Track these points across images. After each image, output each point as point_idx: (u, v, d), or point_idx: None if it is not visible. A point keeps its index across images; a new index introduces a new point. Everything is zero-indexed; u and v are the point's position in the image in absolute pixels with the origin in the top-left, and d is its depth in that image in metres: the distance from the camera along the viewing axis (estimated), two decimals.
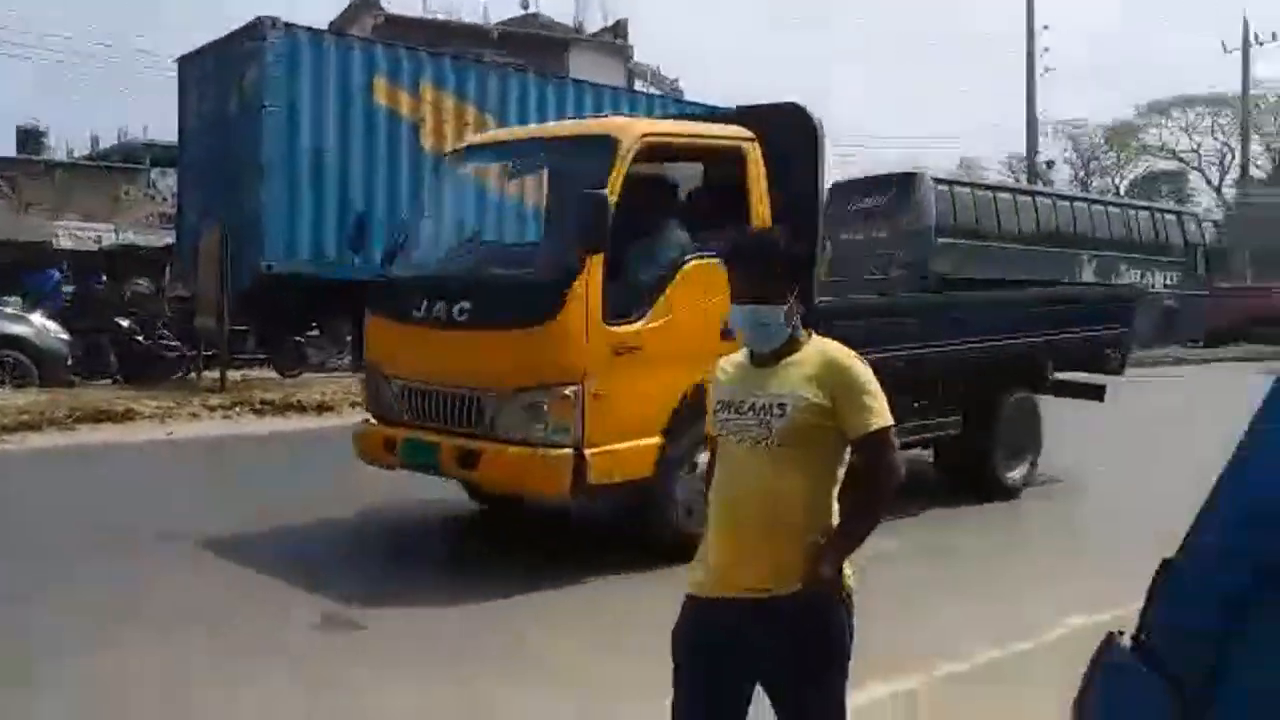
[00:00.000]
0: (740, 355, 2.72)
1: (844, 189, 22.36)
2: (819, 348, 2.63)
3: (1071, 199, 25.69)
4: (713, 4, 78.60)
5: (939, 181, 20.94)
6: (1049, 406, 8.42)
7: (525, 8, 34.22)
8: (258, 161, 12.30)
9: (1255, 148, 45.96)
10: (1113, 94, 71.95)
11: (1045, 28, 33.10)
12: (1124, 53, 63.69)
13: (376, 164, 13.02)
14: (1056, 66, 33.37)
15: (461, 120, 13.64)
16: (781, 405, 2.53)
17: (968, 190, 21.63)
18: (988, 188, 24.06)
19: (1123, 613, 1.57)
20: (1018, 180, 37.79)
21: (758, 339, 2.63)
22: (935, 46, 71.77)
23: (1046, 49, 33.14)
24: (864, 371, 2.58)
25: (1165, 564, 1.34)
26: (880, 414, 2.54)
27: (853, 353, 2.63)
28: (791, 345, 2.62)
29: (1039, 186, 31.48)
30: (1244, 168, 44.77)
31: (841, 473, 2.60)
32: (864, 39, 76.36)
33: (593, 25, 34.41)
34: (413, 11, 30.56)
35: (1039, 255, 21.04)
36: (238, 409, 10.37)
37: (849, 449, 2.58)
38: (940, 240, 19.51)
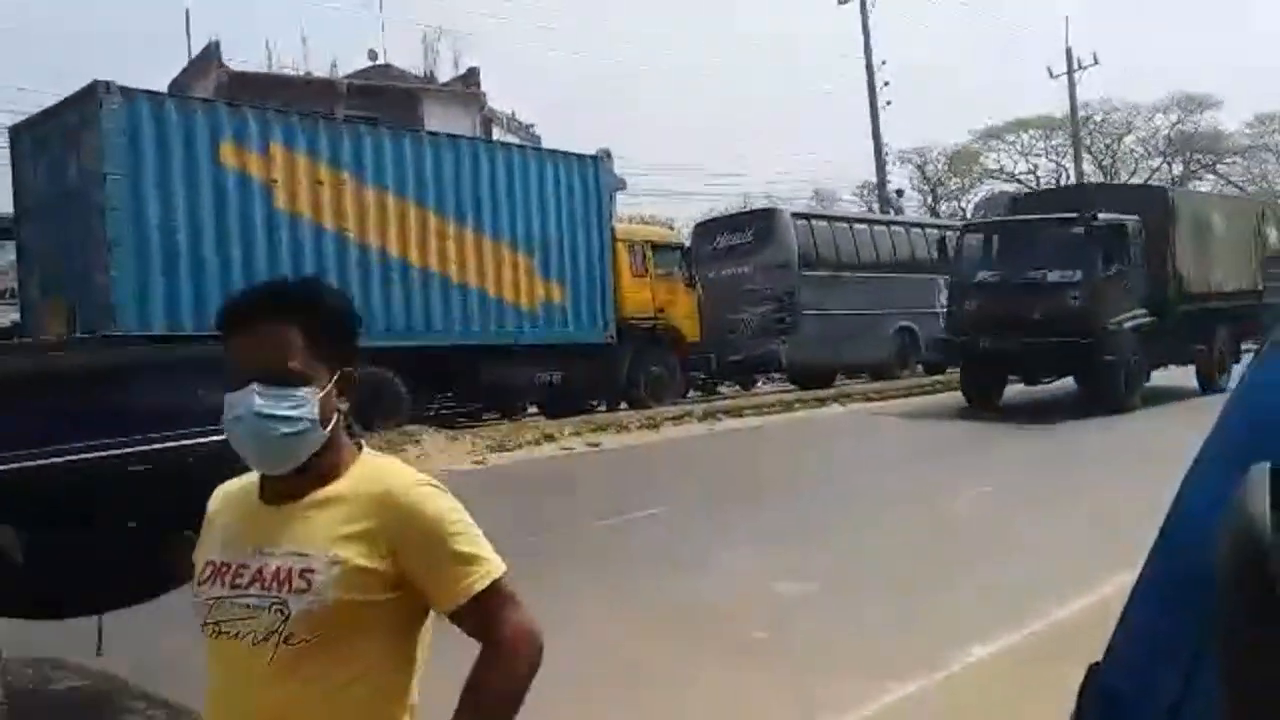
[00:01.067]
0: (246, 481, 1.77)
1: (706, 228, 22.74)
2: (373, 471, 1.72)
3: (924, 225, 26.54)
4: (556, 52, 79.16)
5: (797, 216, 21.41)
6: None
7: (374, 59, 33.86)
8: (103, 233, 11.75)
9: (1087, 166, 48.35)
10: (950, 123, 75.19)
11: (883, 63, 34.34)
12: (955, 83, 66.49)
13: (229, 228, 12.59)
14: (893, 100, 34.37)
15: (315, 178, 13.33)
16: (306, 573, 1.59)
17: (826, 223, 22.16)
18: (845, 219, 24.70)
19: None
20: (870, 209, 38.98)
21: (267, 450, 1.64)
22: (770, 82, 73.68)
23: (886, 83, 34.37)
24: (444, 506, 1.69)
25: (1092, 670, 1.27)
26: (484, 564, 1.66)
27: (425, 477, 1.75)
28: (329, 465, 1.68)
29: (892, 215, 32.50)
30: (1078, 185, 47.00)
31: (416, 671, 1.70)
32: (707, 78, 78.06)
33: (444, 75, 34.26)
34: (259, 67, 29.91)
35: (899, 282, 21.71)
36: None
37: (428, 628, 1.72)
38: (804, 273, 19.89)
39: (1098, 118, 49.92)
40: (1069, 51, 39.56)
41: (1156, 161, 52.72)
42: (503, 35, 53.38)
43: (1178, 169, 52.25)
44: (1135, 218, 15.54)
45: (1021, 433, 13.34)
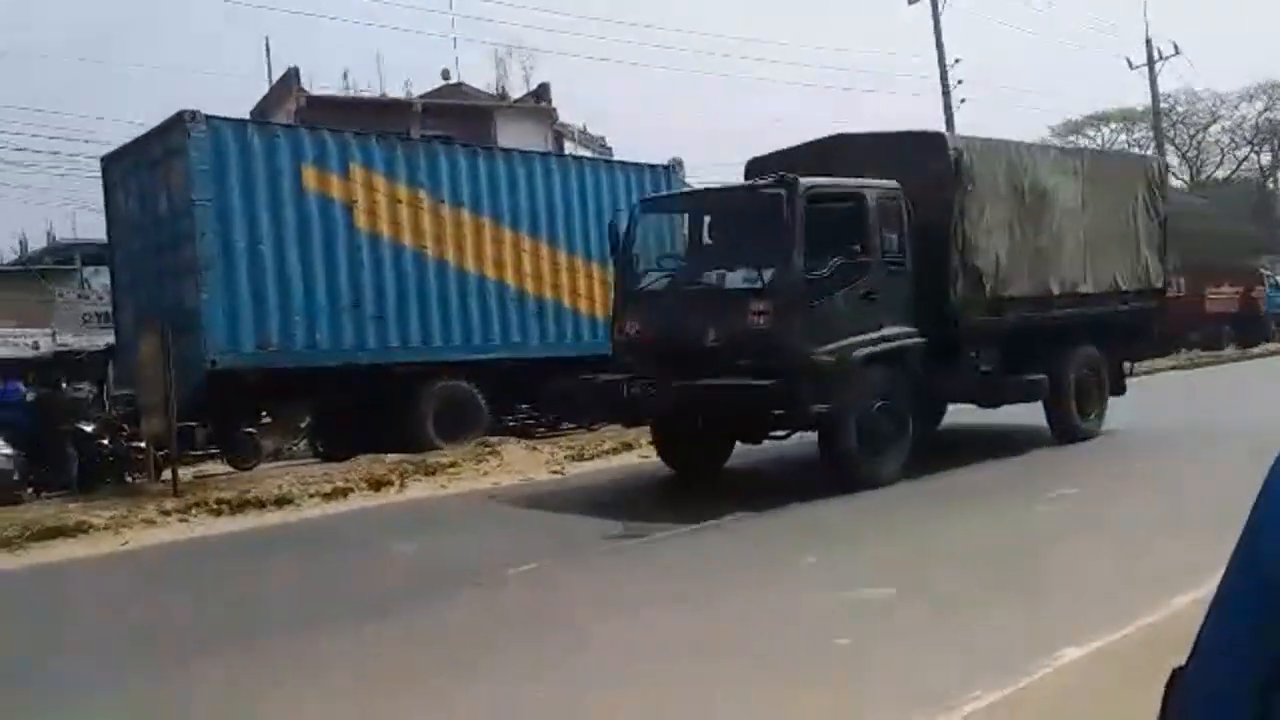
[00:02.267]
0: None
1: None
2: None
3: None
4: (626, 62, 79.58)
5: None
6: None
7: (447, 79, 34.40)
8: (193, 257, 12.16)
9: (1171, 158, 47.20)
10: (1028, 119, 73.94)
11: (957, 60, 33.88)
12: (1032, 78, 65.35)
13: (312, 250, 12.92)
14: (968, 98, 33.87)
15: (393, 198, 13.63)
16: None
17: None
18: None
19: None
20: None
21: None
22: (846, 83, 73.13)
23: (960, 81, 33.90)
24: None
25: (1175, 673, 1.28)
26: None
27: None
28: None
29: None
30: (1162, 178, 45.87)
31: None
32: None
33: (515, 91, 34.68)
34: (336, 91, 30.57)
35: None
36: (194, 511, 10.11)
37: None
38: None
39: (1180, 108, 48.70)
40: (1149, 42, 38.67)
41: (1244, 151, 51.29)
42: (573, 50, 53.87)
43: (1266, 159, 50.77)
44: (887, 184, 9.96)
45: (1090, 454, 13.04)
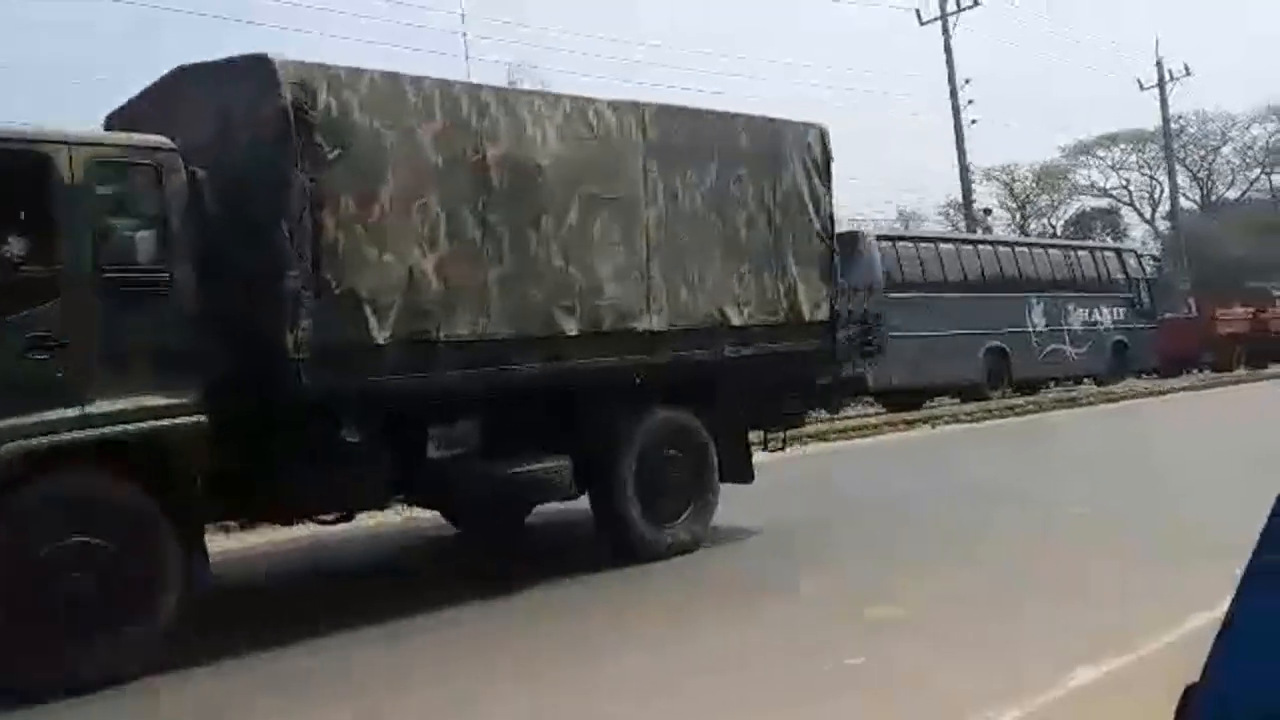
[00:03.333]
0: None
1: None
2: None
3: (1013, 244, 26.19)
4: (631, 84, 79.88)
5: (882, 238, 21.27)
6: None
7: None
8: None
9: (1182, 179, 47.22)
10: (1038, 139, 74.04)
11: (967, 81, 33.97)
12: (1042, 99, 65.35)
13: None
14: (979, 118, 33.94)
15: None
16: None
17: (910, 244, 21.96)
18: (930, 239, 24.53)
19: None
20: (956, 229, 38.51)
21: None
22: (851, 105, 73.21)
23: (971, 101, 33.98)
24: None
25: (1188, 691, 1.26)
26: None
27: None
28: None
29: (979, 234, 32.08)
30: (1173, 199, 45.95)
31: None
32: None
33: None
34: None
35: (988, 302, 21.42)
36: None
37: None
38: (889, 295, 19.73)
39: (1191, 129, 48.77)
40: (1160, 63, 38.81)
41: (1255, 172, 51.30)
42: (584, 70, 54.05)
43: (1277, 180, 50.74)
44: (116, 140, 6.13)
45: (1121, 459, 13.00)
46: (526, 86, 37.38)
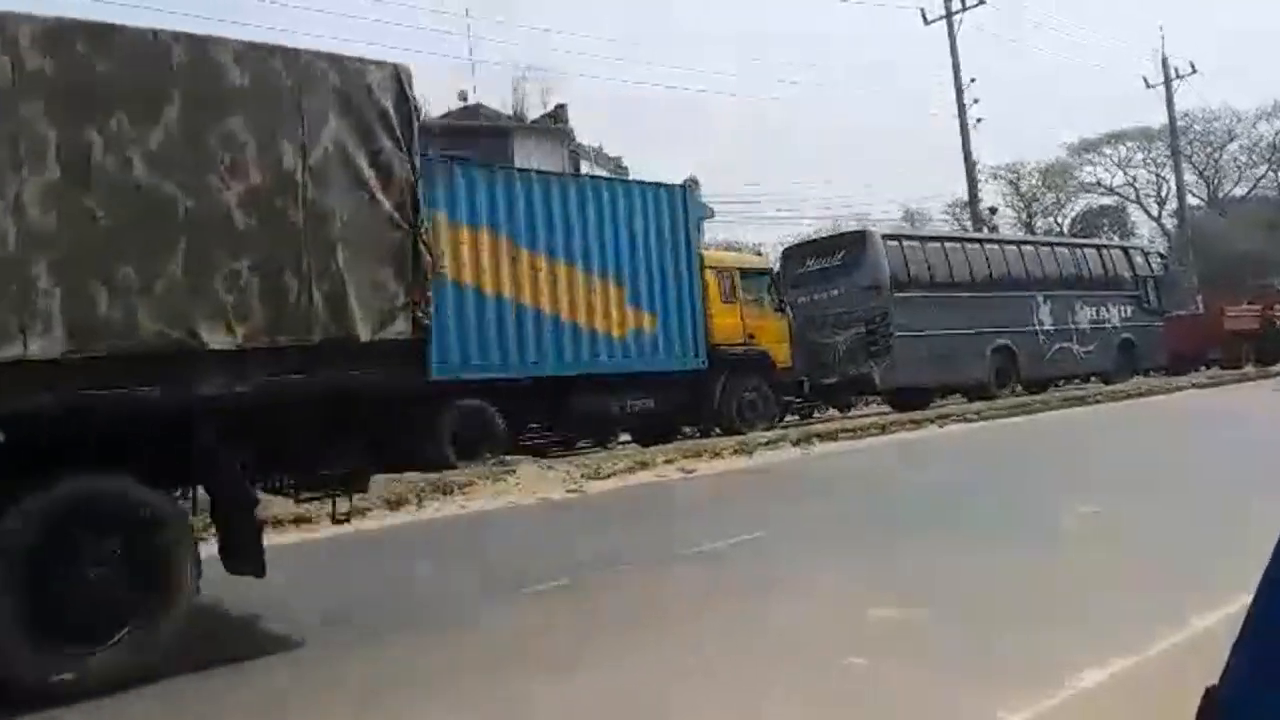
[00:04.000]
0: None
1: (795, 252, 22.72)
2: None
3: (1019, 243, 26.19)
4: (644, 85, 79.95)
5: (888, 237, 21.27)
6: None
7: (464, 100, 34.59)
8: None
9: (1189, 176, 47.11)
10: (1044, 138, 73.84)
11: (973, 80, 33.91)
12: (1048, 97, 65.28)
13: None
14: (984, 117, 33.91)
15: None
16: None
17: (917, 244, 21.95)
18: (937, 238, 24.56)
19: None
20: (963, 227, 38.47)
21: None
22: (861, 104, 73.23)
23: (976, 100, 33.93)
24: None
25: (1209, 693, 1.26)
26: None
27: None
28: None
29: (985, 233, 32.05)
30: (1180, 196, 45.83)
31: None
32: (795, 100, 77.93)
33: (532, 113, 34.84)
34: None
35: (995, 301, 21.39)
36: (210, 530, 10.12)
37: None
38: (897, 294, 19.73)
39: (1198, 127, 48.63)
40: (1165, 61, 38.70)
41: (1261, 169, 51.13)
42: (589, 71, 54.25)
43: None
44: None
45: (1132, 452, 12.96)
46: (531, 89, 36.80)
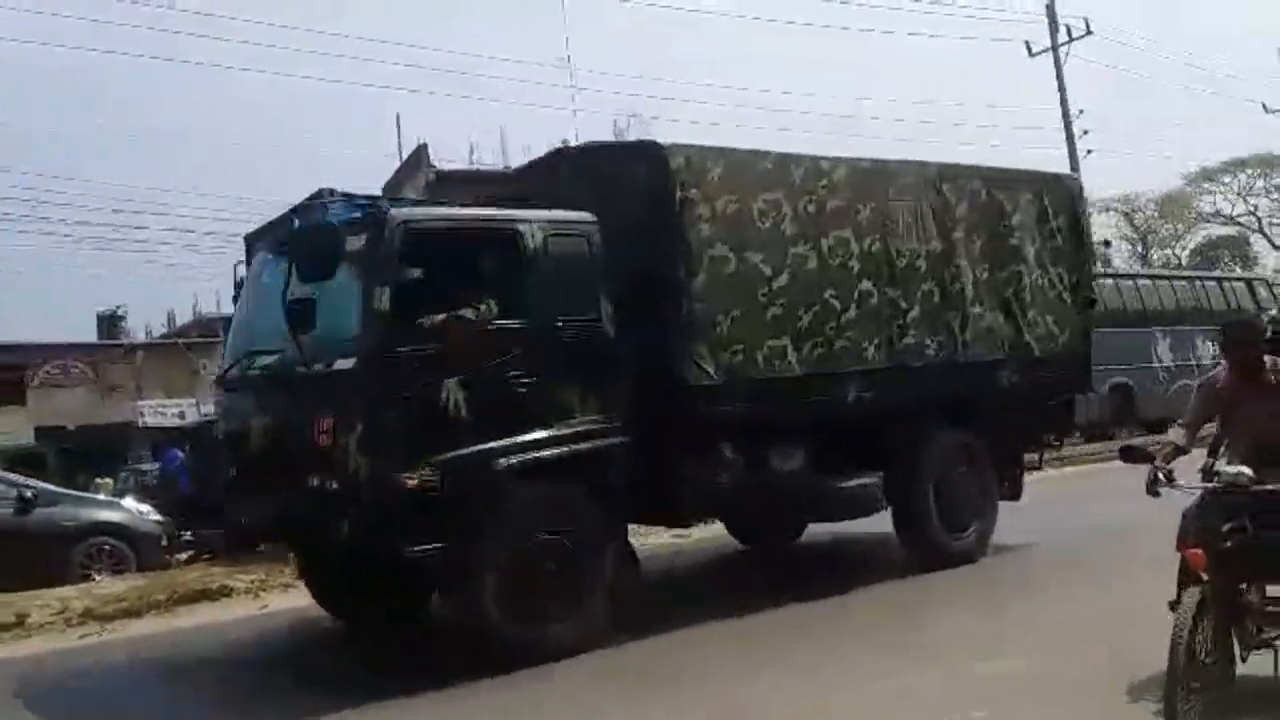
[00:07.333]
0: None
1: None
2: None
3: (1135, 276, 25.46)
4: (744, 128, 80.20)
5: None
6: None
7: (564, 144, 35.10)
8: None
9: None
10: (1158, 168, 71.54)
11: (1081, 111, 33.22)
12: (1161, 127, 63.60)
13: None
14: (1094, 149, 33.05)
15: None
16: None
17: None
18: None
19: None
20: None
21: None
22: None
23: (1086, 131, 33.20)
24: None
25: None
26: None
27: None
28: None
29: (1099, 268, 31.26)
30: None
31: None
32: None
33: None
34: (462, 164, 31.53)
35: (1110, 337, 20.80)
36: None
37: None
38: None
39: None
40: None
41: None
42: (688, 116, 54.68)
43: None
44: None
45: None
46: (632, 134, 37.60)
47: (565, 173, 8.31)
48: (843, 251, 8.29)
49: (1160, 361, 21.75)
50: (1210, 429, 5.44)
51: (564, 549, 6.72)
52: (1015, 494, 9.73)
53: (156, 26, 53.62)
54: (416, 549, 6.24)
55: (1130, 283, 23.52)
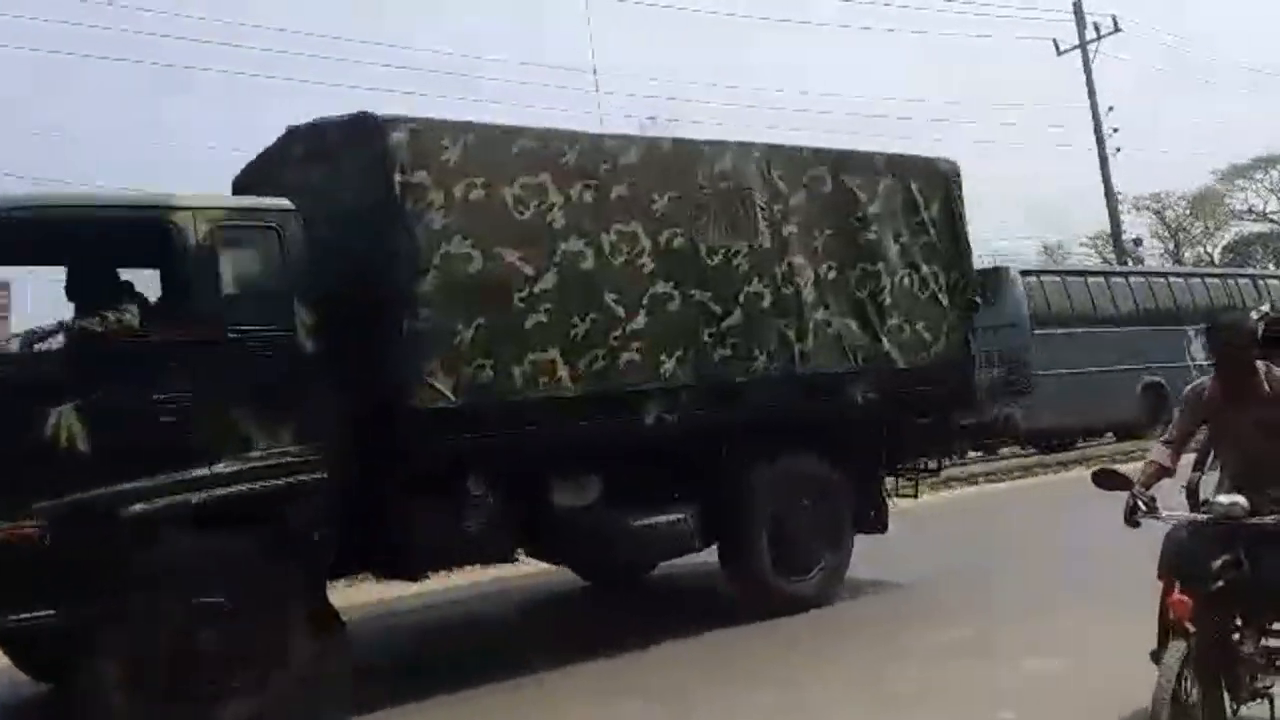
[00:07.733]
0: None
1: None
2: None
3: (1166, 274, 25.12)
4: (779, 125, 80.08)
5: (1026, 273, 20.63)
6: None
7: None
8: None
9: None
10: (1189, 165, 71.02)
11: (1110, 109, 32.89)
12: (1192, 124, 62.90)
13: None
14: (1123, 147, 32.68)
15: None
16: None
17: (1057, 279, 21.26)
18: (1078, 273, 23.77)
19: None
20: (1105, 261, 37.21)
21: None
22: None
23: (1115, 129, 32.87)
24: None
25: None
26: None
27: None
28: None
29: (1129, 266, 30.91)
30: None
31: None
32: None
33: None
34: None
35: (1144, 336, 20.54)
36: None
37: None
38: (1037, 331, 19.13)
39: None
40: None
41: None
42: (713, 118, 54.61)
43: None
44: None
45: None
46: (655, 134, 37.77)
47: (297, 155, 7.01)
48: (630, 248, 6.88)
49: (1194, 359, 21.41)
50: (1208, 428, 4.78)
51: (225, 614, 5.35)
52: (881, 526, 8.34)
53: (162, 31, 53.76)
54: (14, 618, 4.98)
55: (1162, 280, 23.22)
